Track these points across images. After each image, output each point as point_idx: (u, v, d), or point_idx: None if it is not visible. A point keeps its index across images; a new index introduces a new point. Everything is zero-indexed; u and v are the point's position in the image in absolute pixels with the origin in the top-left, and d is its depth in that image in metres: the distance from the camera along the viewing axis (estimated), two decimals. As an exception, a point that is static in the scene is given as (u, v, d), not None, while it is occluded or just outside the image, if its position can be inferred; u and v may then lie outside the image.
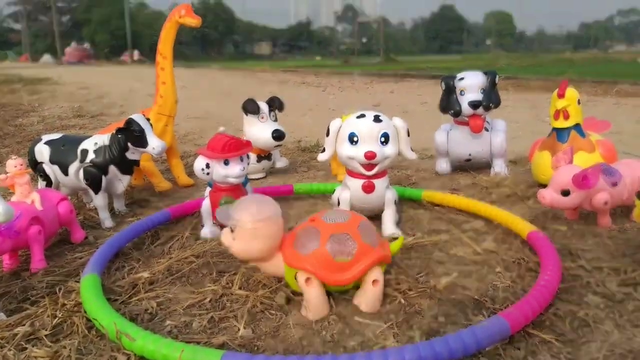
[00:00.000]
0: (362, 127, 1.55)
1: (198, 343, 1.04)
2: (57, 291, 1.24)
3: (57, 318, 1.13)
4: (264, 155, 2.42)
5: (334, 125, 1.61)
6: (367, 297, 1.19)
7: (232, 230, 1.16)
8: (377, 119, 1.56)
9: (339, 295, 1.26)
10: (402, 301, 1.21)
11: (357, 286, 1.21)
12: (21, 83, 8.14)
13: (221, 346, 1.05)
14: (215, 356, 0.91)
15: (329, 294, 1.20)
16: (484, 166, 2.47)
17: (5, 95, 6.35)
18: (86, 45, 27.25)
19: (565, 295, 1.21)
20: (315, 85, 9.07)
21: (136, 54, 23.99)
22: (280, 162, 2.55)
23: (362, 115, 1.57)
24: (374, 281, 1.18)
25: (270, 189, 2.05)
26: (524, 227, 1.51)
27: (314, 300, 1.16)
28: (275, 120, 2.40)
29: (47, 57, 24.34)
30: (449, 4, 61.96)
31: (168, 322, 1.15)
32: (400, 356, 0.89)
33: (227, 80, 10.24)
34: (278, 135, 2.31)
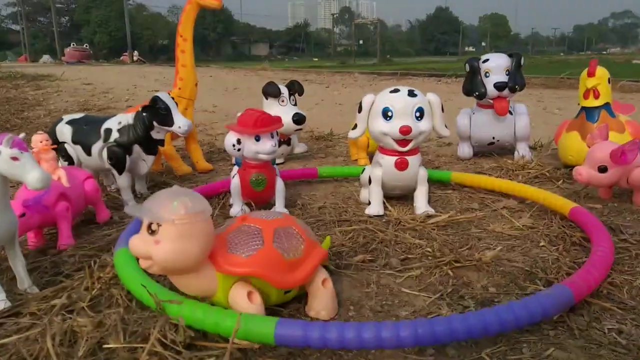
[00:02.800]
0: (396, 102, 1.51)
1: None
2: (92, 264, 1.19)
3: (94, 290, 1.09)
4: (284, 140, 2.37)
5: (367, 100, 1.57)
6: (325, 301, 1.01)
7: (151, 231, 0.85)
8: (411, 93, 1.52)
9: (382, 269, 1.22)
10: (450, 273, 1.17)
11: (297, 296, 1.04)
12: (25, 79, 8.08)
13: (269, 315, 1.02)
14: (270, 323, 0.87)
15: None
16: (505, 151, 2.45)
17: (10, 91, 6.30)
18: (85, 45, 27.16)
19: (618, 267, 1.18)
20: (318, 83, 9.03)
21: (136, 54, 23.91)
22: (299, 148, 2.52)
23: (396, 90, 1.54)
24: (324, 281, 1.01)
25: (295, 171, 2.01)
26: (564, 204, 1.47)
27: None
28: (295, 104, 2.37)
29: (46, 57, 24.23)
30: (444, 7, 62.16)
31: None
32: (465, 321, 0.85)
33: (230, 78, 10.20)
34: (298, 119, 2.27)
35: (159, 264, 0.86)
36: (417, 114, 1.52)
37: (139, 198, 1.84)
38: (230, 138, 1.54)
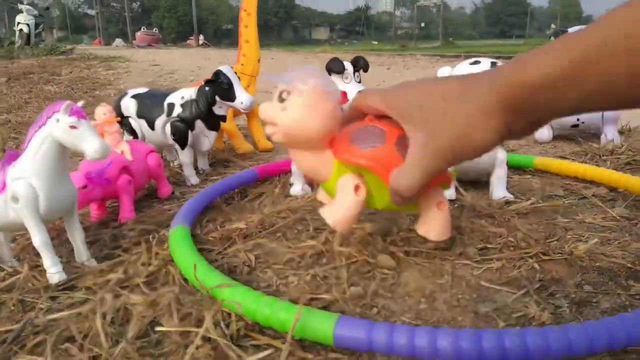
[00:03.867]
0: (476, 75, 1.36)
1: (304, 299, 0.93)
2: (151, 239, 1.16)
3: (151, 266, 1.04)
4: (347, 119, 2.27)
5: (443, 72, 1.44)
6: (435, 223, 0.98)
7: (281, 100, 0.88)
8: (494, 65, 1.37)
9: (457, 259, 1.10)
10: (536, 266, 1.04)
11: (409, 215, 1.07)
12: (97, 60, 8.45)
13: (330, 304, 0.93)
14: (330, 320, 0.77)
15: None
16: (587, 135, 2.23)
17: (83, 70, 6.58)
18: (155, 29, 28.11)
19: None
20: (378, 64, 8.83)
21: (201, 39, 24.49)
22: (363, 128, 2.40)
23: (477, 62, 1.39)
24: (439, 203, 0.97)
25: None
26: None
27: (349, 210, 0.92)
28: (359, 81, 2.25)
29: (118, 41, 25.36)
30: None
31: (267, 275, 1.04)
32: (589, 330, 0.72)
33: (290, 60, 10.18)
34: (363, 97, 2.16)
35: (281, 131, 0.89)
36: (499, 89, 1.36)
37: (201, 174, 1.81)
38: (294, 113, 1.45)
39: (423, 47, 20.04)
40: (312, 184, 1.55)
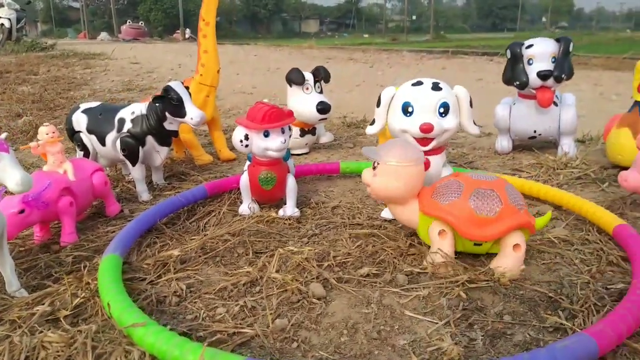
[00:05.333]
0: (418, 96, 1.37)
1: (225, 334, 0.93)
2: (82, 268, 1.15)
3: (78, 298, 1.04)
4: (308, 129, 2.27)
5: (387, 93, 1.44)
6: (507, 263, 1.11)
7: (374, 168, 1.20)
8: (436, 86, 1.37)
9: (387, 286, 1.11)
10: (462, 295, 1.05)
11: (489, 254, 1.18)
12: (76, 57, 8.33)
13: (251, 339, 0.94)
14: None
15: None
16: (548, 145, 2.25)
17: (60, 69, 6.49)
18: (141, 23, 27.74)
19: (661, 297, 1.01)
20: (362, 62, 8.81)
21: (187, 32, 24.22)
22: (325, 137, 2.41)
23: (419, 83, 1.39)
24: (515, 246, 1.11)
25: (314, 166, 1.91)
26: (609, 220, 1.29)
27: (444, 252, 1.13)
28: (321, 92, 2.25)
29: (104, 35, 24.98)
30: (505, -21, 59.00)
31: (196, 306, 1.05)
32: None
33: (274, 56, 10.12)
34: (323, 108, 2.16)
35: (373, 192, 1.21)
36: (442, 110, 1.37)
37: (155, 189, 1.80)
38: (238, 133, 1.45)
39: (414, 41, 19.92)
40: (259, 202, 1.55)
